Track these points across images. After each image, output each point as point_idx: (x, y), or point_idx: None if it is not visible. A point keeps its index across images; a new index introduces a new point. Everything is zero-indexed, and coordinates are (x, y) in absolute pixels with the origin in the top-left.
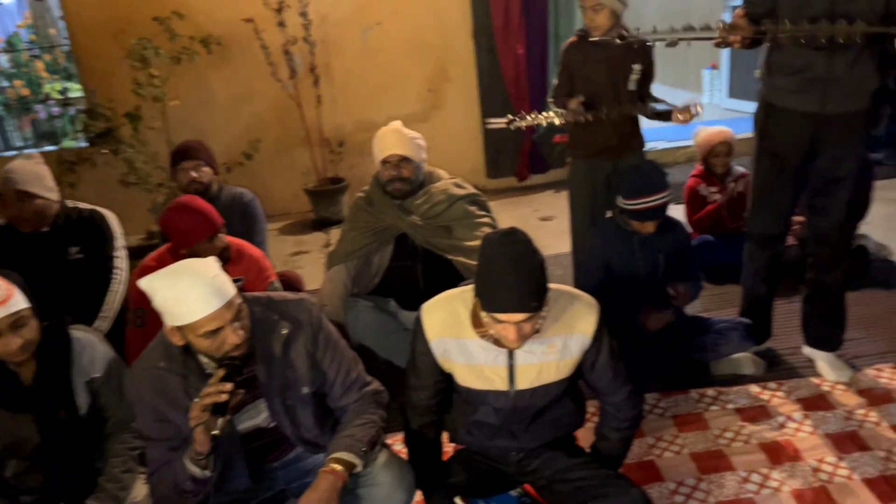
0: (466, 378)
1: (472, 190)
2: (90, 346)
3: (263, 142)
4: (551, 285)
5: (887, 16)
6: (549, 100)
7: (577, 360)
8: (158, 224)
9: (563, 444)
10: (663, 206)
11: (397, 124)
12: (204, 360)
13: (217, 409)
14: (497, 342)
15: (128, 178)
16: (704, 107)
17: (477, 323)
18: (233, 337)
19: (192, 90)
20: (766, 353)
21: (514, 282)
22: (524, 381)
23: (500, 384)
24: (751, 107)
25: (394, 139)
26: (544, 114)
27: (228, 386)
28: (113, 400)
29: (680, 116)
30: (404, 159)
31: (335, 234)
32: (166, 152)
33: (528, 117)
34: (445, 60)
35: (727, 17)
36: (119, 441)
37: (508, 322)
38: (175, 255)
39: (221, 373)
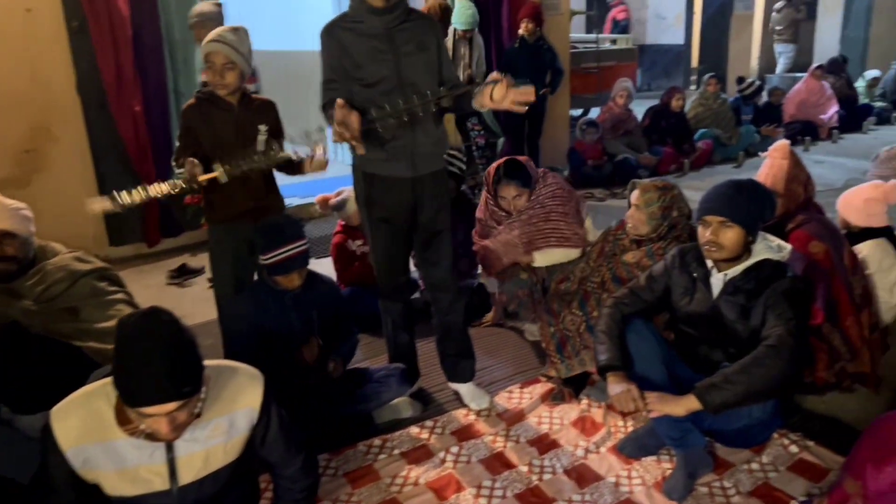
0: (117, 486)
1: (99, 264)
2: None
3: None
4: (207, 362)
5: (442, 82)
6: (173, 163)
7: (247, 436)
8: None
9: None
10: (301, 255)
11: None
12: None
13: None
14: (151, 436)
15: None
16: (329, 162)
17: (124, 419)
18: None
19: None
20: (418, 394)
21: (159, 368)
22: (189, 474)
23: (160, 484)
24: None
25: None
26: (152, 186)
27: None
28: None
29: (310, 164)
30: (7, 234)
31: None
32: None
33: (134, 191)
34: (46, 117)
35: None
36: None
37: (158, 414)
38: None
39: None
